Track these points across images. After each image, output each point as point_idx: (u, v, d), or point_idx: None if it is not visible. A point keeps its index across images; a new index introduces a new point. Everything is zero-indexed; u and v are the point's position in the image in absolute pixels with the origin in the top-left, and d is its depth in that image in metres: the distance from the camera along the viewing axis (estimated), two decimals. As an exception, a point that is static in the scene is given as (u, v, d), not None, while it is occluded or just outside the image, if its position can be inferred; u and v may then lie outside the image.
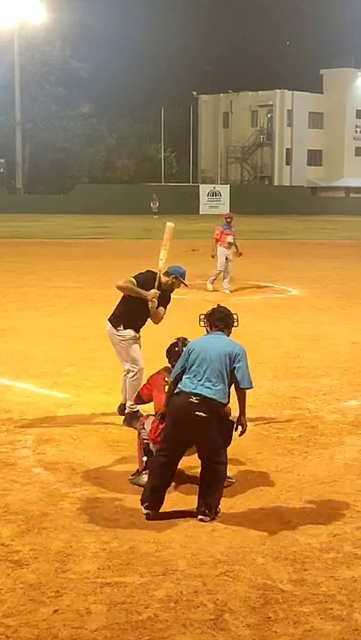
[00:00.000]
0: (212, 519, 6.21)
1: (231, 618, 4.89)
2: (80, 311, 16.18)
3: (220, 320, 6.73)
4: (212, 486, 6.30)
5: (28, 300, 17.81)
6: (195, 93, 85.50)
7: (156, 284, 8.57)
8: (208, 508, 6.24)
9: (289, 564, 5.56)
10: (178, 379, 6.51)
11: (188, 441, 6.33)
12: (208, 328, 6.78)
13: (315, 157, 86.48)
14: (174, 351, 7.26)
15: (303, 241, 38.58)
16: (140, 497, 6.50)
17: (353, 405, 9.65)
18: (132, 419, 8.57)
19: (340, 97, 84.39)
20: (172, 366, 7.00)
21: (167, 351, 7.46)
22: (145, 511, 6.27)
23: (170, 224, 8.97)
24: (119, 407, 8.96)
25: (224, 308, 6.90)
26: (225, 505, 6.41)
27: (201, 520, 6.19)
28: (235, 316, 6.85)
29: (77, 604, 5.02)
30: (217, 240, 19.67)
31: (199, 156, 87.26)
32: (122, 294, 8.79)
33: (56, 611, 4.95)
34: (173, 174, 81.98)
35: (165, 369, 7.30)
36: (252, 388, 6.54)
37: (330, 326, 14.94)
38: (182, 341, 7.31)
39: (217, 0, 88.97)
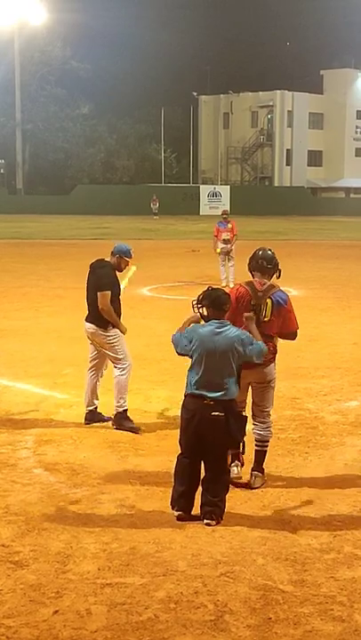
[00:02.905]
0: (218, 523, 6.20)
1: (231, 619, 4.89)
2: (80, 312, 16.10)
3: (225, 303, 6.37)
4: (217, 496, 6.29)
5: (28, 301, 17.82)
6: (195, 94, 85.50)
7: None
8: (216, 514, 6.24)
9: (289, 565, 5.55)
10: (185, 353, 6.39)
11: (205, 441, 6.27)
12: (206, 312, 6.41)
13: (315, 158, 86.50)
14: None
15: (303, 241, 38.58)
16: (138, 498, 6.49)
17: (354, 406, 9.65)
18: (122, 419, 8.54)
19: (341, 97, 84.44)
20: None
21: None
22: (176, 514, 6.26)
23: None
24: (86, 416, 8.79)
25: (222, 289, 6.56)
26: (225, 506, 6.41)
27: (208, 525, 6.17)
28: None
29: (78, 605, 5.01)
30: (216, 237, 21.17)
31: (199, 156, 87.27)
32: (90, 290, 8.73)
33: (56, 611, 4.95)
34: (173, 175, 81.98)
35: (247, 283, 7.08)
36: (264, 351, 6.47)
37: (330, 327, 14.94)
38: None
39: (217, 0, 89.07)
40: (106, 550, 5.74)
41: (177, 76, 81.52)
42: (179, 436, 6.48)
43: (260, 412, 7.18)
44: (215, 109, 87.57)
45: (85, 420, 8.78)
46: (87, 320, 8.80)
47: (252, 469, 7.05)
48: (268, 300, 6.87)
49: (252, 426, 7.16)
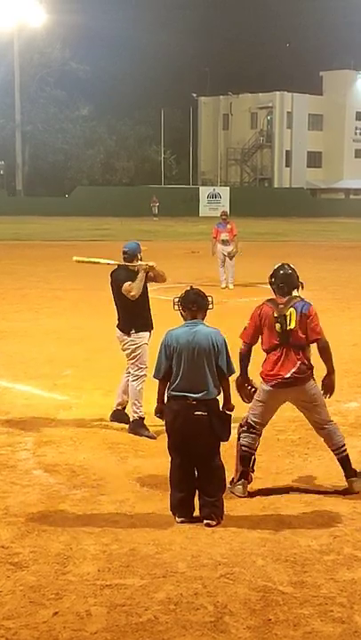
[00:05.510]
0: (218, 523, 6.20)
1: (231, 620, 4.89)
2: (79, 313, 16.18)
3: (193, 302, 6.43)
4: (214, 496, 6.28)
5: (28, 302, 17.81)
6: (194, 95, 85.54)
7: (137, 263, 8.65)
8: (215, 514, 6.23)
9: (289, 566, 5.55)
10: (166, 376, 6.36)
11: (189, 441, 6.27)
12: (182, 312, 6.50)
13: (314, 159, 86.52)
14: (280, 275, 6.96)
15: (303, 243, 38.55)
16: (138, 499, 6.48)
17: (353, 407, 9.66)
18: (137, 426, 8.51)
19: (340, 99, 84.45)
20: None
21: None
22: (178, 520, 6.25)
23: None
24: (113, 413, 8.85)
25: (197, 289, 6.60)
26: (225, 507, 6.40)
27: (208, 525, 6.17)
28: (209, 298, 6.57)
29: (77, 607, 5.01)
30: (215, 238, 20.87)
31: (199, 158, 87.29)
32: (115, 295, 8.71)
33: (56, 613, 4.95)
34: (173, 176, 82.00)
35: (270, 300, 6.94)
36: (234, 372, 6.51)
37: (330, 328, 14.76)
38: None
39: (217, 1, 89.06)
40: (106, 551, 5.73)
41: (176, 77, 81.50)
42: (167, 441, 6.47)
43: (323, 428, 7.07)
44: (215, 111, 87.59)
45: (111, 417, 8.81)
46: (117, 325, 8.76)
47: (346, 476, 6.94)
48: (292, 309, 6.83)
49: (322, 439, 7.12)
